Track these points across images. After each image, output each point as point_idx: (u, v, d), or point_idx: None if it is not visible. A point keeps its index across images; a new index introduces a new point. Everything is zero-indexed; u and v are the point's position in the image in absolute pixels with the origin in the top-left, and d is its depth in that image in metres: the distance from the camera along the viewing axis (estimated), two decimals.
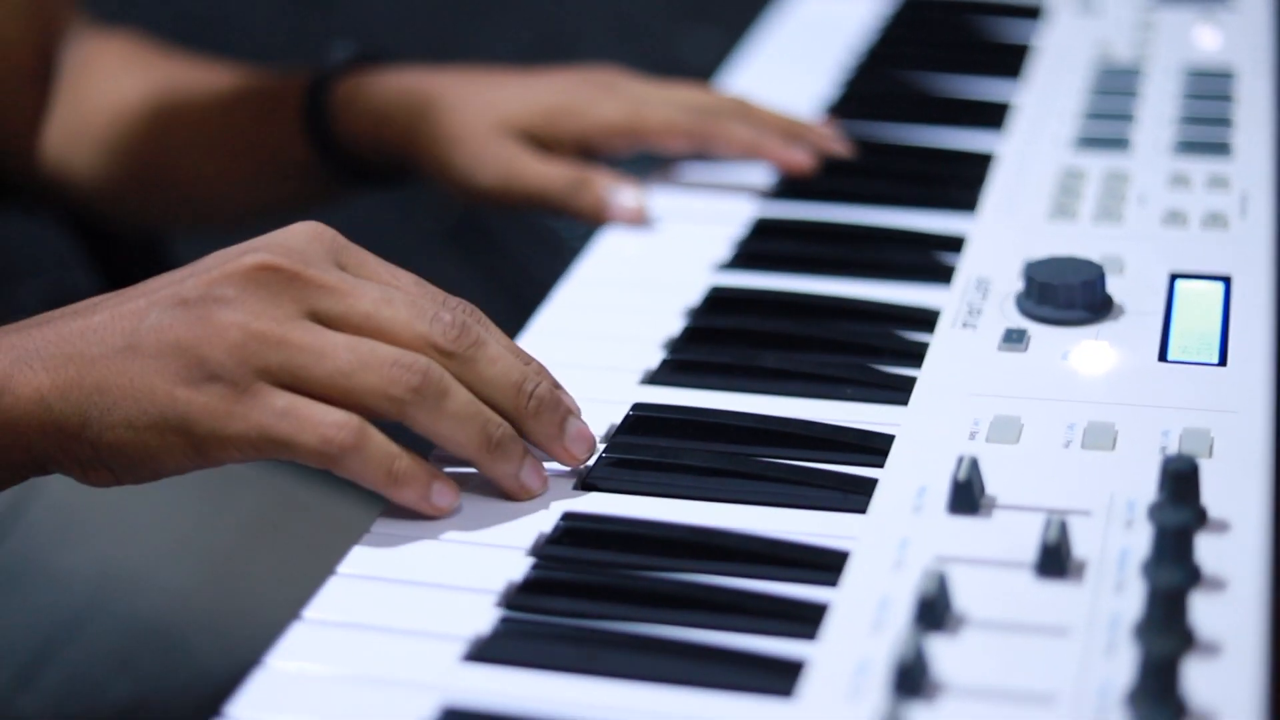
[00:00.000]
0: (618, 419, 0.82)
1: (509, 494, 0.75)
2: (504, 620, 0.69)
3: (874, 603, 0.67)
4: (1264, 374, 0.80)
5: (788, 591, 0.69)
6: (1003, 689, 0.62)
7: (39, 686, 1.11)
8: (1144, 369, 0.81)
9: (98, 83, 1.21)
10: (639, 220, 1.02)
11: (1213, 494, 0.71)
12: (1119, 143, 1.04)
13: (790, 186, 1.04)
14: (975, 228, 0.96)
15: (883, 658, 0.63)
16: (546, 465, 0.77)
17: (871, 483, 0.75)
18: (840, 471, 0.77)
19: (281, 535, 1.16)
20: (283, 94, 1.16)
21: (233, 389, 0.72)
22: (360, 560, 0.73)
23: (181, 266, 0.77)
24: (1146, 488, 0.72)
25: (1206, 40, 1.19)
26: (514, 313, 0.94)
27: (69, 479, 1.13)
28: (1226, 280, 0.88)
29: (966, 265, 0.92)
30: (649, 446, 0.79)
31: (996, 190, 1.01)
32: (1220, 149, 1.02)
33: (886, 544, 0.70)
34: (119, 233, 1.40)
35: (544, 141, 1.06)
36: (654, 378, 0.86)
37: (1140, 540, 0.69)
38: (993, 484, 0.73)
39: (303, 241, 0.76)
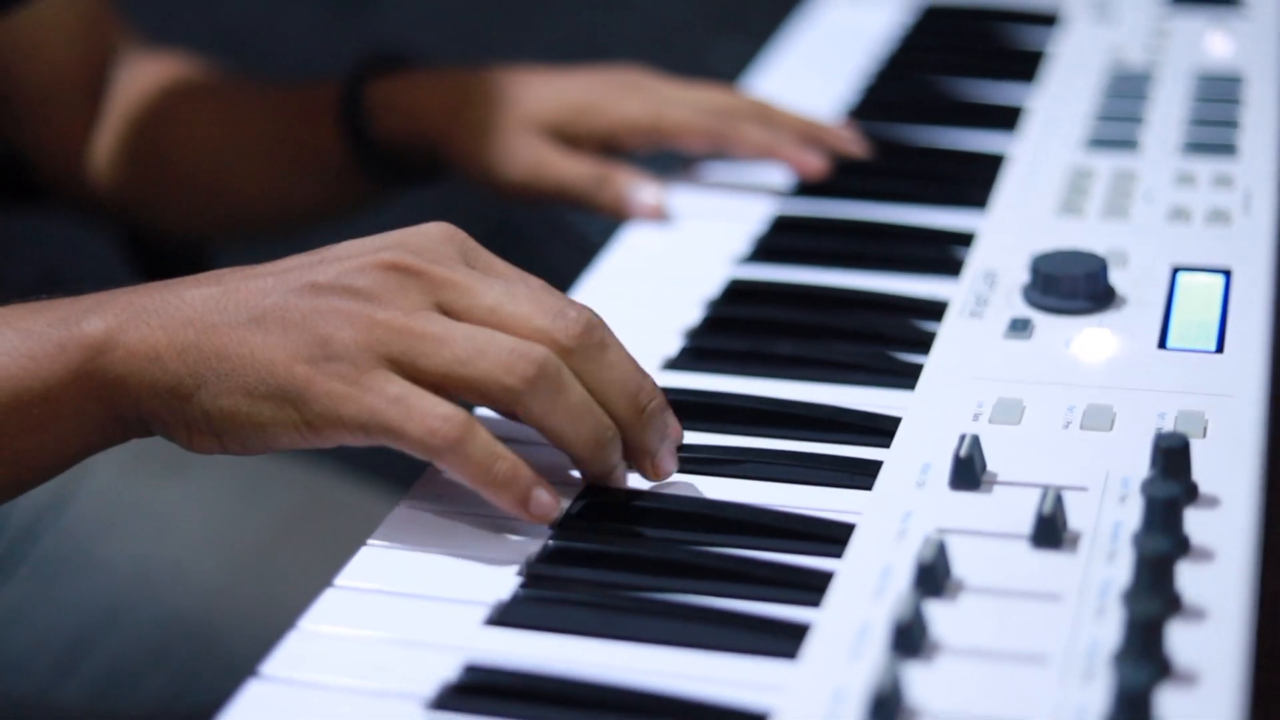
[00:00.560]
0: None
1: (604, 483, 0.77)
2: (524, 587, 0.72)
3: (877, 571, 0.70)
4: (1259, 360, 0.83)
5: (795, 561, 0.73)
6: (997, 649, 0.65)
7: (78, 676, 1.15)
8: (1144, 356, 0.84)
9: (146, 102, 1.25)
10: (658, 216, 1.05)
11: (1205, 472, 0.74)
12: (1128, 143, 1.07)
13: (810, 185, 1.08)
14: (985, 224, 1.00)
15: (883, 621, 0.67)
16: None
17: (877, 462, 0.78)
18: (847, 451, 0.80)
19: (315, 529, 1.20)
20: (320, 101, 1.19)
21: (352, 371, 0.73)
22: (390, 532, 0.76)
23: (308, 253, 0.79)
24: (1141, 466, 0.75)
25: (1217, 46, 1.22)
26: None
27: (110, 474, 1.18)
28: (1227, 273, 0.91)
29: (976, 259, 0.95)
30: None
31: (1007, 188, 1.04)
32: (1226, 149, 1.05)
33: (890, 517, 0.73)
34: (164, 244, 1.44)
35: (569, 138, 1.09)
36: (673, 364, 0.90)
37: (1133, 514, 0.72)
38: (994, 461, 0.76)
39: (434, 240, 0.78)
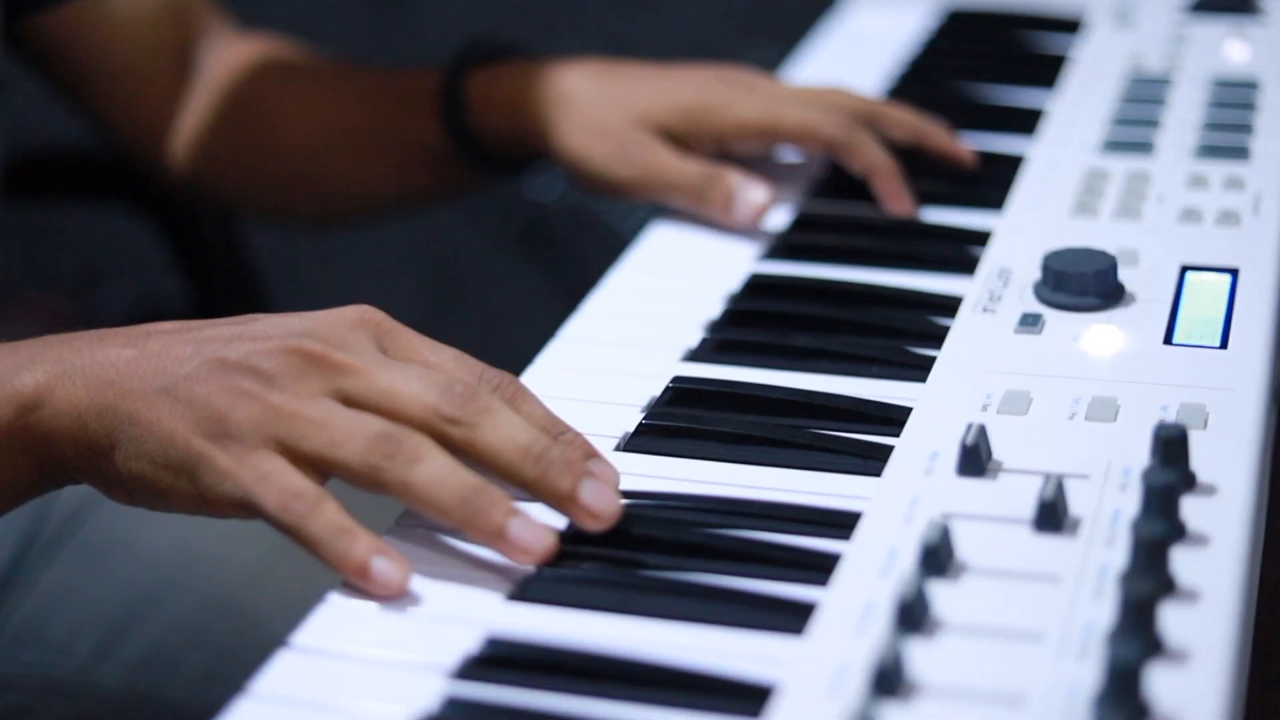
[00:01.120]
0: (658, 391, 0.88)
1: (501, 551, 0.76)
2: (545, 566, 0.75)
3: (883, 553, 0.73)
4: (1262, 356, 0.85)
5: (804, 544, 0.75)
6: (996, 627, 0.68)
7: (118, 657, 1.18)
8: (1149, 351, 0.87)
9: (240, 84, 1.27)
10: (762, 217, 1.05)
11: (1204, 462, 0.76)
12: (1143, 146, 1.09)
13: (832, 184, 1.10)
14: (1001, 224, 1.02)
15: (888, 599, 0.69)
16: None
17: (888, 449, 0.81)
18: (859, 439, 0.83)
19: (353, 516, 1.23)
20: (420, 89, 1.20)
21: (240, 449, 0.76)
22: (409, 518, 0.79)
23: (236, 319, 0.82)
24: (1143, 456, 0.78)
25: (1235, 53, 1.24)
26: (573, 309, 0.99)
27: None
28: (1234, 272, 0.93)
29: (990, 257, 0.98)
30: (685, 416, 0.86)
31: (1024, 189, 1.06)
32: (1239, 153, 1.07)
33: (898, 502, 0.76)
34: (210, 236, 1.47)
35: (682, 139, 1.09)
36: (694, 355, 0.93)
37: (1133, 502, 0.74)
38: (1000, 450, 0.79)
39: (346, 326, 0.81)
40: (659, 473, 0.82)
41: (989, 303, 0.92)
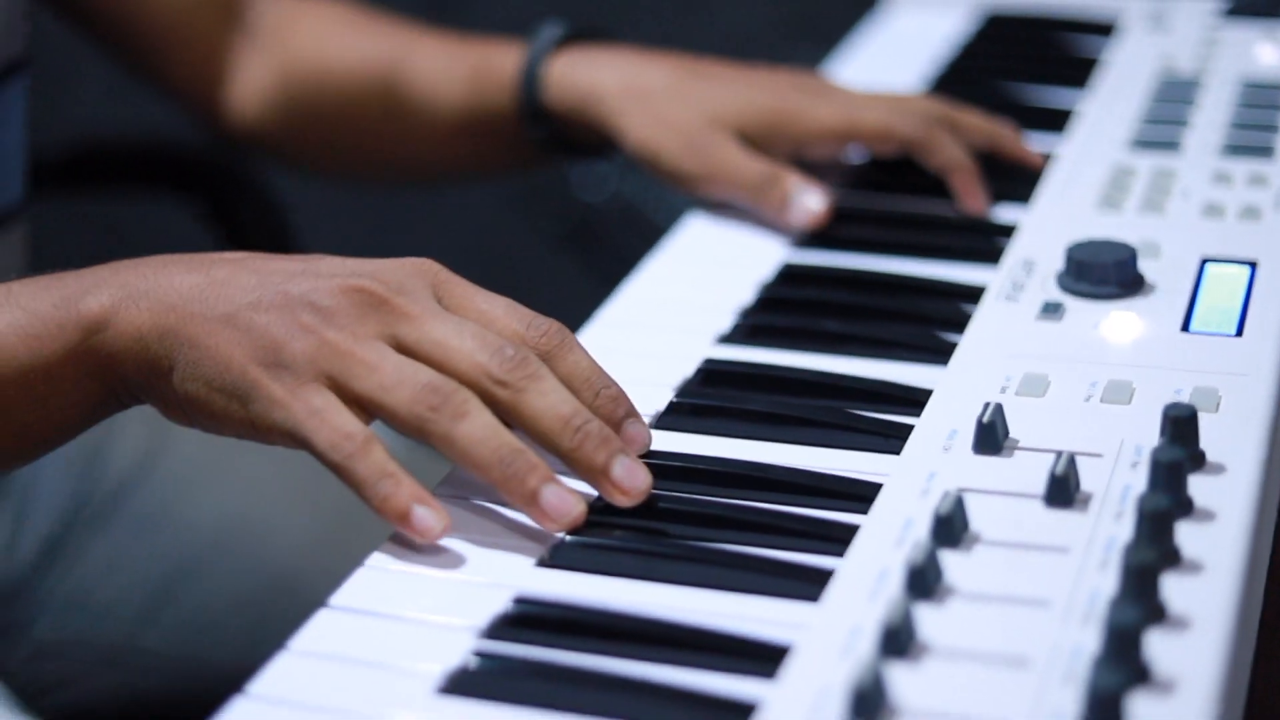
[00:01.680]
0: (691, 373, 0.91)
1: (532, 517, 0.79)
2: (573, 534, 0.78)
3: (899, 524, 0.76)
4: (1277, 344, 0.88)
5: (823, 516, 0.78)
6: (1005, 595, 0.71)
7: (163, 622, 1.22)
8: (1167, 337, 0.89)
9: (299, 41, 1.29)
10: (817, 222, 1.07)
11: (1214, 443, 0.79)
12: (1170, 145, 1.12)
13: (866, 178, 1.13)
14: (1028, 217, 1.05)
15: (901, 567, 0.72)
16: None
17: (908, 428, 0.84)
18: (881, 418, 0.86)
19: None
20: (497, 62, 1.22)
21: (293, 380, 0.79)
22: (453, 485, 0.83)
23: (301, 257, 0.86)
24: (1155, 436, 0.80)
25: (1266, 55, 1.26)
26: None
27: (198, 436, 1.24)
28: (1253, 264, 0.96)
29: (1016, 248, 1.00)
30: (716, 395, 0.89)
31: (1052, 185, 1.09)
32: (1264, 151, 1.10)
33: (916, 477, 0.79)
34: (258, 226, 1.50)
35: (757, 142, 1.11)
36: (726, 338, 0.96)
37: (1143, 479, 0.77)
38: (1016, 429, 0.82)
39: (407, 274, 0.84)
40: (688, 448, 0.85)
41: (1012, 291, 0.95)
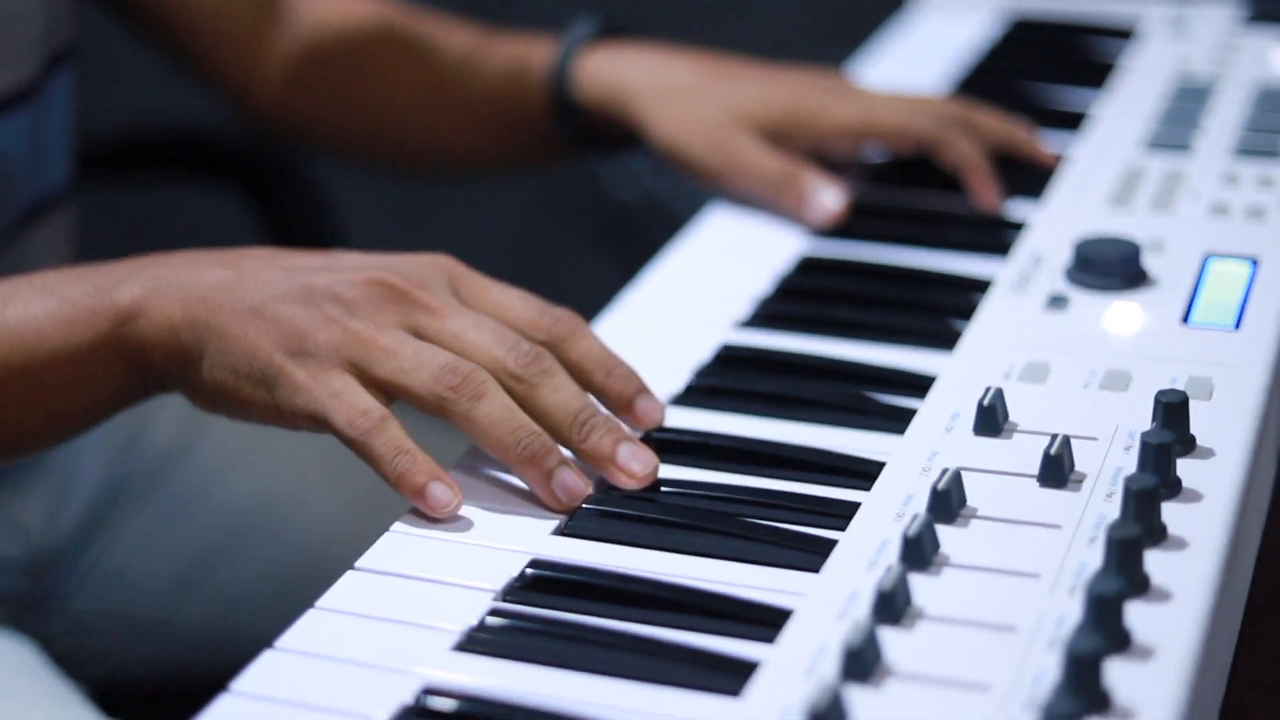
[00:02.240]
0: (708, 356, 0.95)
1: (542, 497, 0.82)
2: (584, 506, 0.82)
3: (899, 500, 0.79)
4: (1272, 336, 0.91)
5: (828, 493, 0.82)
6: (997, 566, 0.74)
7: (198, 596, 1.26)
8: (1166, 329, 0.93)
9: (334, 30, 1.33)
10: (834, 220, 1.10)
11: (1206, 429, 0.82)
12: (1182, 146, 1.15)
13: (884, 173, 1.17)
14: (1039, 213, 1.08)
15: (898, 538, 0.76)
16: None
17: (911, 411, 0.87)
18: (886, 402, 0.89)
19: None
20: (529, 58, 1.26)
21: (317, 367, 0.84)
22: (472, 460, 0.86)
23: (323, 253, 0.90)
24: (1150, 422, 0.83)
25: None
26: None
27: (231, 422, 1.28)
28: (1255, 261, 0.99)
29: (1026, 243, 1.04)
30: (731, 378, 0.93)
31: (1064, 183, 1.12)
32: (1274, 154, 1.13)
33: (918, 456, 0.82)
34: (301, 219, 1.54)
35: (779, 138, 1.14)
36: (744, 324, 0.99)
37: (1136, 461, 0.80)
38: (1016, 413, 0.85)
39: (425, 268, 0.89)
40: (704, 427, 0.88)
41: (1020, 283, 0.98)
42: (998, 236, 1.06)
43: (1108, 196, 1.09)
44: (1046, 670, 0.67)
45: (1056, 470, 0.79)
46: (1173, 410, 0.81)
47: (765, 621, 0.73)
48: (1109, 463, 0.81)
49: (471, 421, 0.83)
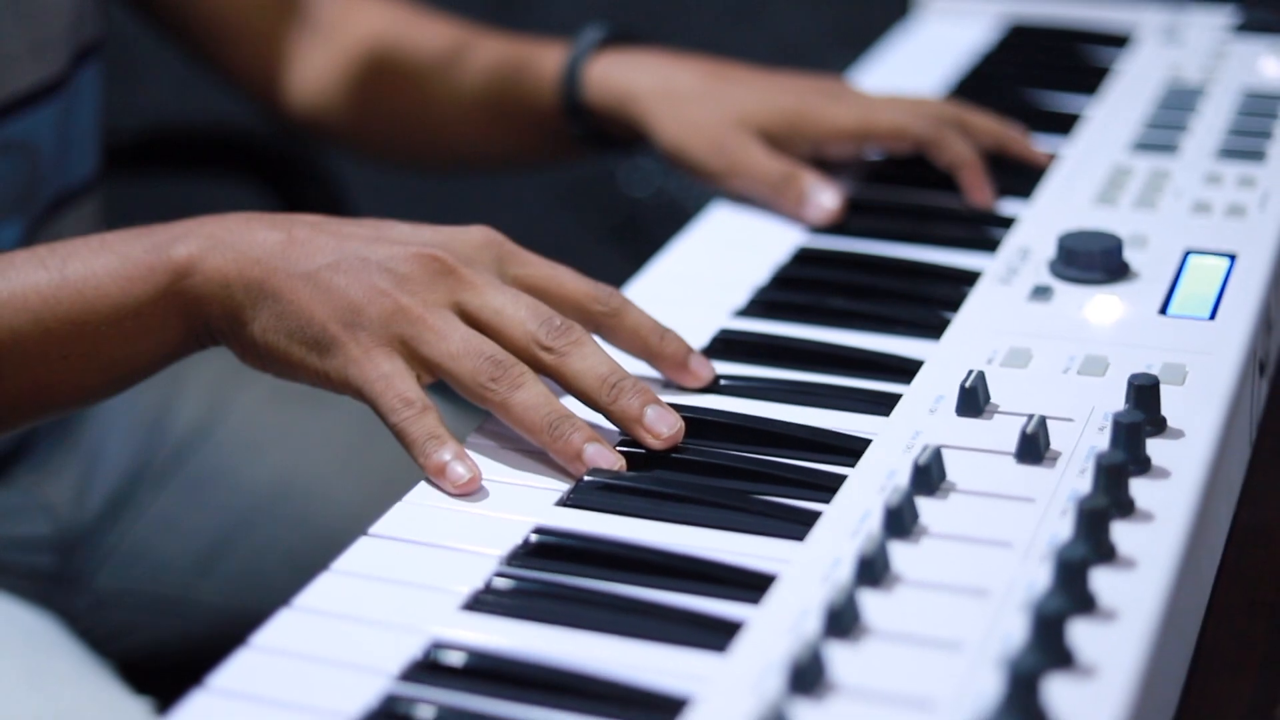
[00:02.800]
0: (707, 341, 1.00)
1: (576, 473, 0.87)
2: (585, 479, 0.87)
3: (883, 474, 0.84)
4: (1246, 327, 0.95)
5: (816, 467, 0.87)
6: (973, 536, 0.78)
7: (217, 574, 1.30)
8: (1145, 319, 0.97)
9: (356, 32, 1.38)
10: (831, 218, 1.14)
11: (1177, 412, 0.86)
12: (1168, 148, 1.19)
13: (881, 172, 1.21)
14: (1028, 211, 1.13)
15: (880, 509, 0.80)
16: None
17: (897, 396, 0.92)
18: (872, 388, 0.94)
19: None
20: (542, 63, 1.31)
21: (368, 340, 0.89)
22: (480, 439, 0.91)
23: (373, 222, 0.95)
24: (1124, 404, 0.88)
25: (1270, 68, 1.34)
26: None
27: (258, 400, 1.33)
28: (1233, 256, 1.03)
29: (1014, 238, 1.08)
30: (726, 361, 0.97)
31: (1053, 182, 1.17)
32: (1256, 156, 1.17)
33: (902, 435, 0.87)
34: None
35: (779, 141, 1.19)
36: (741, 312, 1.04)
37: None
38: (997, 396, 0.89)
39: (474, 244, 0.94)
40: (698, 403, 0.93)
41: (1007, 276, 1.03)
42: (987, 232, 1.11)
43: (1094, 194, 1.14)
44: (1015, 632, 0.72)
45: (1033, 448, 0.84)
46: (1144, 392, 0.85)
47: (752, 585, 0.77)
48: (1083, 442, 0.85)
49: (508, 408, 0.88)
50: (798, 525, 0.81)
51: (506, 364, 0.89)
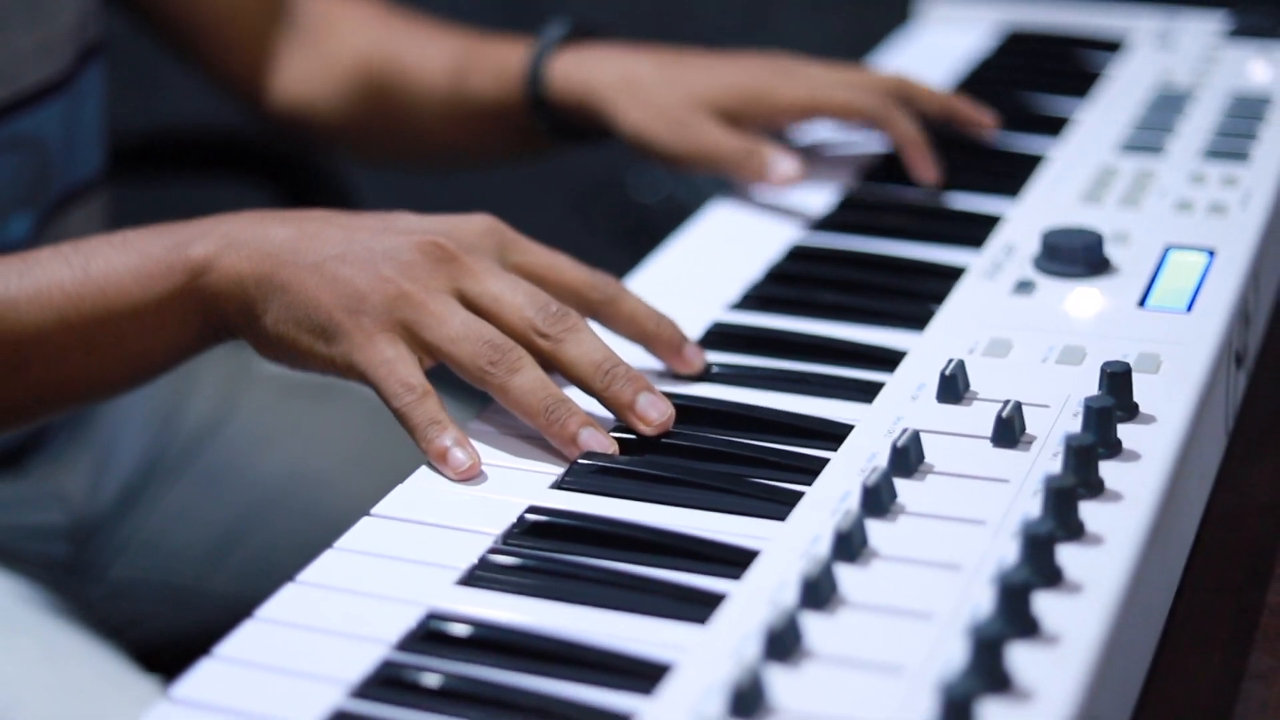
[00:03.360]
0: (700, 334, 1.03)
1: (570, 456, 0.90)
2: (578, 463, 0.90)
3: (864, 457, 0.87)
4: (1221, 319, 0.98)
5: (801, 451, 0.90)
6: (948, 515, 0.82)
7: (229, 565, 1.34)
8: (1123, 312, 1.00)
9: (340, 35, 1.41)
10: (792, 182, 1.19)
11: (1150, 399, 0.90)
12: (1155, 149, 1.23)
13: (874, 171, 1.25)
14: (1015, 209, 1.16)
15: (859, 490, 0.83)
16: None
17: (879, 384, 0.95)
18: (857, 377, 0.97)
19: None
20: (507, 59, 1.34)
21: (372, 325, 0.92)
22: (478, 426, 0.95)
23: (380, 215, 0.98)
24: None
25: (1258, 73, 1.37)
26: None
27: (270, 394, 1.36)
28: (1212, 252, 1.06)
29: (1000, 234, 1.11)
30: (718, 352, 1.01)
31: (1041, 182, 1.20)
32: (1240, 157, 1.20)
33: (883, 420, 0.90)
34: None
35: (736, 118, 1.23)
36: (736, 305, 1.07)
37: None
38: (977, 383, 0.93)
39: (475, 232, 0.98)
40: (688, 391, 0.96)
41: (992, 271, 1.06)
42: (974, 229, 1.14)
43: (1081, 193, 1.17)
44: (984, 603, 0.75)
45: (1008, 432, 0.87)
46: (1116, 379, 0.88)
47: (734, 561, 0.81)
48: (1058, 427, 0.88)
49: (506, 391, 0.91)
50: (780, 505, 0.84)
51: (505, 348, 0.92)
